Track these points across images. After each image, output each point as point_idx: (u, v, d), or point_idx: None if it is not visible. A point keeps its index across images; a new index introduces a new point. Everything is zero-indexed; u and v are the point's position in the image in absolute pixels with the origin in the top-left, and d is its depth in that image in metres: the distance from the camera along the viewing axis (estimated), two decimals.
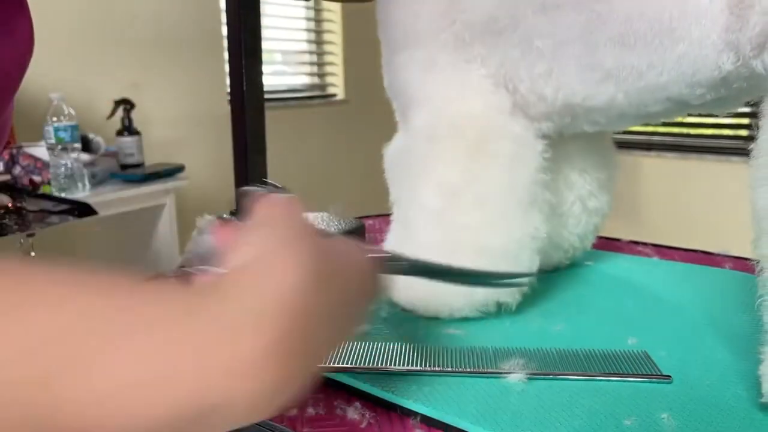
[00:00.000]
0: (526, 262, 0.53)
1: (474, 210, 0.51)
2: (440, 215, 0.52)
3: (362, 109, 2.94)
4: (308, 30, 2.82)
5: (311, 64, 2.87)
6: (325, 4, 2.86)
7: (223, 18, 2.54)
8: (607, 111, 0.48)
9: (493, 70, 0.50)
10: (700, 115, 2.30)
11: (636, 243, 0.80)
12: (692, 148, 2.75)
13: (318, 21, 2.86)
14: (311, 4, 2.76)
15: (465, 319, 0.54)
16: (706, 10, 0.42)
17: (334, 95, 2.91)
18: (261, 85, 0.78)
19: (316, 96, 2.85)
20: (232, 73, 0.76)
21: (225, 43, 2.36)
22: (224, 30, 2.46)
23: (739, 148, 2.70)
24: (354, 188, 2.86)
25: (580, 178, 0.61)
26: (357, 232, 0.78)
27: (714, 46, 0.42)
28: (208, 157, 2.17)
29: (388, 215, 0.97)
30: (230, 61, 0.76)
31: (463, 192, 0.51)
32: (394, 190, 0.58)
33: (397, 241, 0.58)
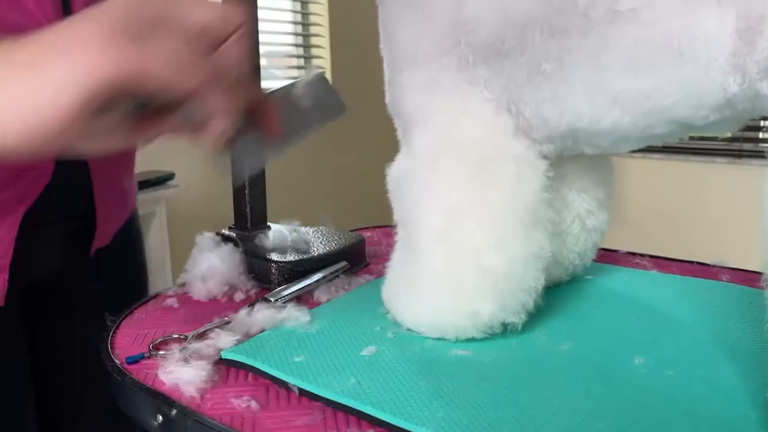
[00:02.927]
0: (531, 281, 0.53)
1: (478, 231, 0.51)
2: (444, 237, 0.52)
3: (349, 112, 2.93)
4: (295, 34, 2.81)
5: (299, 68, 2.86)
6: (312, 7, 2.85)
7: None
8: (611, 134, 0.49)
9: (497, 93, 0.51)
10: None
11: (633, 254, 0.80)
12: (677, 149, 2.78)
13: (305, 24, 2.85)
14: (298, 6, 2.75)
15: (471, 339, 0.54)
16: (715, 35, 0.42)
17: None
18: None
19: None
20: None
21: None
22: None
23: (723, 149, 2.73)
24: (340, 192, 2.86)
25: (578, 198, 0.62)
26: (358, 246, 0.78)
27: (720, 69, 0.43)
28: (199, 165, 2.16)
29: (386, 227, 0.97)
30: None
31: (466, 213, 0.51)
32: (398, 211, 0.58)
33: (401, 263, 0.58)
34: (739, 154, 2.70)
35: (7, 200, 0.58)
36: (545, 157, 0.52)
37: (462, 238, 0.51)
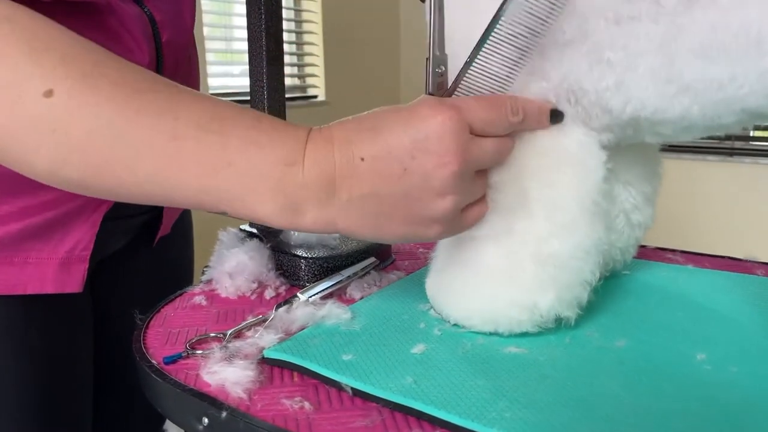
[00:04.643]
0: (589, 274, 0.51)
1: (541, 217, 0.49)
2: (508, 225, 0.51)
3: (343, 110, 2.91)
4: (288, 31, 2.78)
5: (292, 65, 2.83)
6: (306, 4, 2.83)
7: (206, 20, 2.45)
8: (676, 123, 0.47)
9: (555, 83, 0.49)
10: None
11: (663, 249, 0.79)
12: (668, 147, 2.78)
13: (298, 22, 2.82)
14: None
15: (523, 335, 0.52)
16: None
17: (314, 96, 2.88)
18: (283, 92, 0.75)
19: (297, 97, 2.81)
20: (254, 81, 0.74)
21: (206, 44, 2.31)
22: (204, 31, 2.40)
23: (715, 148, 2.74)
24: None
25: (624, 191, 0.60)
26: (383, 243, 0.75)
27: None
28: None
29: None
30: (251, 69, 0.73)
31: (534, 199, 0.49)
32: None
33: (450, 252, 0.55)
34: (731, 153, 2.72)
35: (90, 202, 0.63)
36: (604, 147, 0.51)
37: (526, 226, 0.49)
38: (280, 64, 0.74)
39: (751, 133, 2.73)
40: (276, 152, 0.43)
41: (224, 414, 0.43)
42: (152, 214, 0.76)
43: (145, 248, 0.78)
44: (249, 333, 0.55)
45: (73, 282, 0.62)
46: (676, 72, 0.44)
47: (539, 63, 0.49)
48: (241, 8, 2.54)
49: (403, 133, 0.43)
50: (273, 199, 0.44)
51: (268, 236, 0.72)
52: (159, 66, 0.66)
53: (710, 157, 2.75)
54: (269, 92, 0.74)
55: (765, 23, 0.41)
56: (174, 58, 0.68)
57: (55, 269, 0.61)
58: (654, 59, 0.45)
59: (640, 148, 0.60)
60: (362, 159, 0.43)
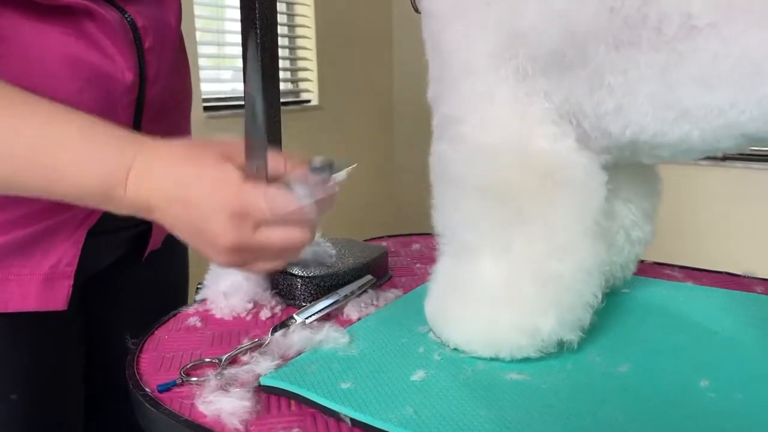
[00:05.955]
0: (590, 296, 0.51)
1: (543, 238, 0.49)
2: (503, 246, 0.50)
3: (336, 115, 2.91)
4: (281, 35, 2.77)
5: (284, 70, 2.82)
6: (299, 9, 2.81)
7: (197, 25, 2.42)
8: (675, 147, 0.47)
9: (557, 105, 0.48)
10: None
11: (661, 265, 0.79)
12: None
13: (291, 26, 2.81)
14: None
15: (525, 361, 0.51)
16: None
17: (308, 101, 2.87)
18: (278, 107, 0.74)
19: (290, 102, 2.80)
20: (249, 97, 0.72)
21: (198, 49, 2.30)
22: (197, 36, 2.36)
23: None
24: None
25: (624, 208, 0.60)
26: (381, 258, 0.75)
27: None
28: None
29: (403, 236, 0.94)
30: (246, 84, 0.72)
31: (532, 220, 0.49)
32: (444, 216, 0.55)
33: (448, 274, 0.55)
34: (723, 157, 2.73)
35: (74, 217, 0.62)
36: (604, 168, 0.50)
37: (524, 246, 0.49)
38: (276, 79, 0.73)
39: None
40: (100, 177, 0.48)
41: None
42: (142, 228, 0.74)
43: (136, 263, 0.77)
44: (245, 358, 0.54)
45: (57, 299, 0.61)
46: (676, 98, 0.44)
47: (540, 84, 0.48)
48: (233, 12, 2.53)
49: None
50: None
51: None
52: (142, 72, 0.64)
53: (702, 162, 2.76)
54: (266, 109, 0.72)
55: (766, 51, 0.41)
56: (158, 64, 0.67)
57: (38, 286, 0.60)
58: (653, 85, 0.44)
59: (640, 166, 0.59)
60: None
